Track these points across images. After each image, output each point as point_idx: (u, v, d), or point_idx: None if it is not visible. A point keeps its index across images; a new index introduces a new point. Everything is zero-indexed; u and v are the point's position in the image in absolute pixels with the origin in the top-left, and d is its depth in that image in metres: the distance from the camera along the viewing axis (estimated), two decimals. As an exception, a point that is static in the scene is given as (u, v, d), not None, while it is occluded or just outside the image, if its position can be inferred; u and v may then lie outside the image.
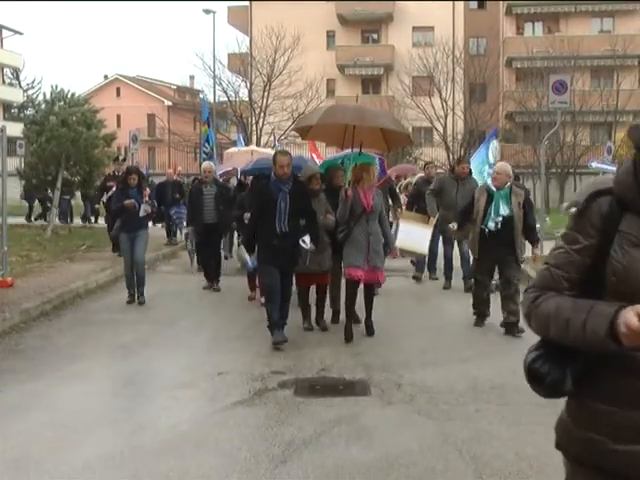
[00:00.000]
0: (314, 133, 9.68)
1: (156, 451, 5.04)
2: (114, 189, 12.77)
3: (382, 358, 7.27)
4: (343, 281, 8.76)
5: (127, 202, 10.37)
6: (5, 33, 57.64)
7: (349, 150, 9.43)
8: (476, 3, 48.86)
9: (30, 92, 59.42)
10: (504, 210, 8.50)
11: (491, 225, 8.52)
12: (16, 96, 56.98)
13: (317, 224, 8.33)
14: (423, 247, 11.43)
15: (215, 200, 11.71)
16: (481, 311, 9.15)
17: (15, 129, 28.22)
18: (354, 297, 8.47)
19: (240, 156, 16.37)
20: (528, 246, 9.31)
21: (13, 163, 25.77)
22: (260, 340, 8.08)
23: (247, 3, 50.12)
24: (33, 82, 61.69)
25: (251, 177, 14.33)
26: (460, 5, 47.71)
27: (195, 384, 6.65)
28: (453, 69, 42.11)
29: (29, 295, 10.28)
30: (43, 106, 22.78)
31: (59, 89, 22.05)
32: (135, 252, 10.59)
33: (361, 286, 8.52)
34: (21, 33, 59.81)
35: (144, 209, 10.51)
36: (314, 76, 40.92)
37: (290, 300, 8.29)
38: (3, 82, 58.30)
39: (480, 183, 11.06)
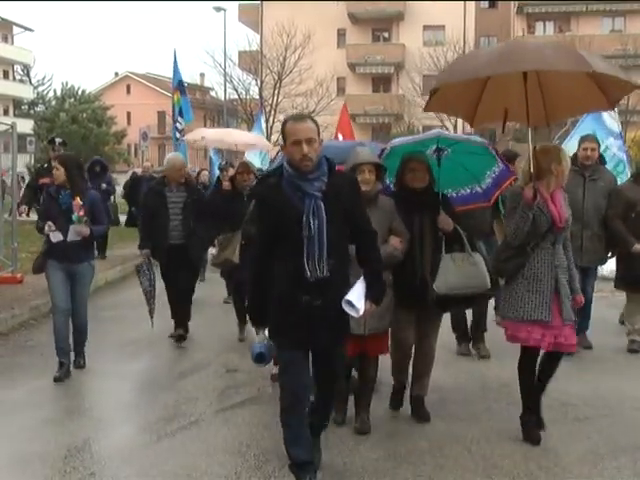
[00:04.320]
0: (445, 94, 5.16)
1: (164, 448, 5.05)
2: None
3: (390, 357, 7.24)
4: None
5: (47, 228, 6.54)
6: (16, 30, 57.90)
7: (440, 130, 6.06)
8: (487, 2, 48.82)
9: (40, 89, 59.44)
10: None
11: None
12: (26, 93, 57.11)
13: (381, 260, 4.43)
14: None
15: (184, 210, 7.93)
16: None
17: (25, 126, 28.37)
18: (531, 382, 5.24)
19: (214, 135, 13.83)
20: None
21: (23, 160, 25.91)
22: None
23: (258, 1, 50.16)
24: (43, 79, 61.74)
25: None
26: (471, 4, 47.66)
27: (204, 381, 6.66)
28: (464, 68, 41.89)
29: (38, 292, 10.29)
30: (53, 103, 23.00)
31: (69, 86, 22.29)
32: (75, 299, 6.83)
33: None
34: (32, 30, 60.43)
35: (74, 230, 6.56)
36: (325, 74, 40.90)
37: (334, 399, 4.66)
38: (14, 79, 58.51)
39: (610, 167, 7.68)
